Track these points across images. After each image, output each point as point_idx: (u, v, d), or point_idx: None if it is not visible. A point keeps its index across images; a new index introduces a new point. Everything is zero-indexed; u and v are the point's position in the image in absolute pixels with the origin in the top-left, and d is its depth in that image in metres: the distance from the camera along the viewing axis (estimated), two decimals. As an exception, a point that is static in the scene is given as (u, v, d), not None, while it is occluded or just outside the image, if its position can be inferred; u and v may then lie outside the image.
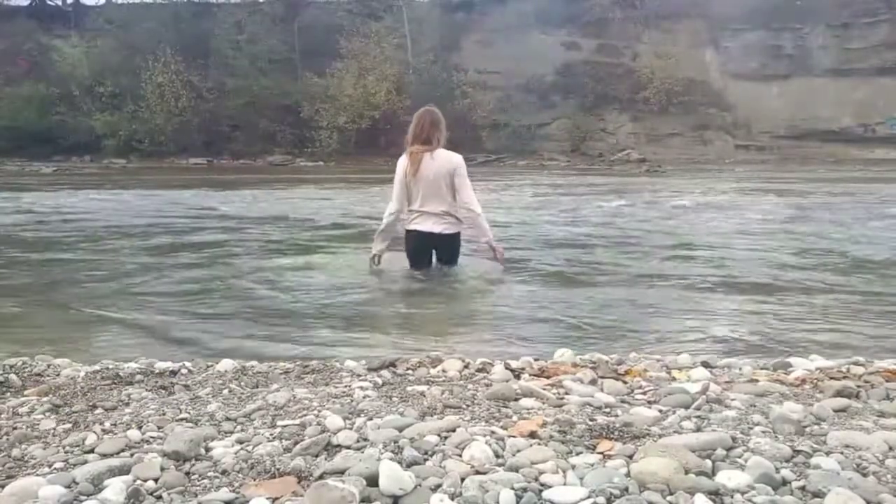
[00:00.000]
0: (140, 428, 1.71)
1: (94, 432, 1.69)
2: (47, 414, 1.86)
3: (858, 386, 2.09)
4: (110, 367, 2.35)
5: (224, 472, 1.43)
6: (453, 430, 1.63)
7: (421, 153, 4.40)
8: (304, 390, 2.05)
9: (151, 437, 1.65)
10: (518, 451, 1.51)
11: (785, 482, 1.36)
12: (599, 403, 1.91)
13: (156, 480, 1.40)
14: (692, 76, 34.03)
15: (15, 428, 1.74)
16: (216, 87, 34.35)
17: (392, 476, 1.32)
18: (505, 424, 1.71)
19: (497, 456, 1.49)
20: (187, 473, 1.44)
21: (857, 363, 2.40)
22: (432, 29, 36.32)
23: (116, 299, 4.13)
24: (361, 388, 2.07)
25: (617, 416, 1.80)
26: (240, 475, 1.42)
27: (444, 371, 2.31)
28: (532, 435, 1.62)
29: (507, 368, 2.32)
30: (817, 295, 4.23)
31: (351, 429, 1.67)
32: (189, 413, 1.84)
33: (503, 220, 8.63)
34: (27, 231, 7.76)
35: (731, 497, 1.29)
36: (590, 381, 2.18)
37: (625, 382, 2.18)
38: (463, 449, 1.51)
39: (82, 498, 1.32)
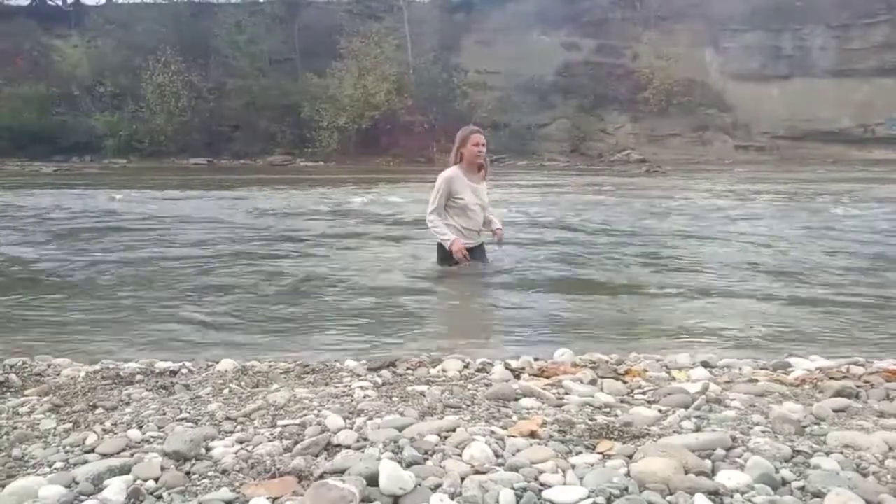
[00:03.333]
0: (140, 428, 1.71)
1: (95, 432, 1.69)
2: (47, 414, 1.86)
3: (858, 386, 2.09)
4: (110, 367, 2.36)
5: (224, 472, 1.43)
6: (453, 430, 1.63)
7: None
8: (304, 390, 2.04)
9: (152, 437, 1.65)
10: (518, 450, 1.51)
11: (785, 482, 1.36)
12: (599, 403, 1.91)
13: (156, 480, 1.40)
14: (692, 77, 34.05)
15: (15, 428, 1.74)
16: (216, 87, 34.38)
17: (392, 476, 1.32)
18: (505, 424, 1.71)
19: (497, 456, 1.49)
20: (187, 473, 1.44)
21: (857, 363, 2.40)
22: (432, 29, 36.32)
23: (117, 299, 4.13)
24: (361, 387, 2.07)
25: (617, 416, 1.80)
26: (240, 475, 1.42)
27: (444, 371, 2.31)
28: (532, 435, 1.62)
29: (507, 368, 2.32)
30: (817, 296, 4.23)
31: (351, 428, 1.67)
32: (189, 413, 1.84)
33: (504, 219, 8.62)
34: (32, 230, 7.76)
35: (731, 497, 1.29)
36: (590, 381, 2.18)
37: (625, 382, 2.18)
38: (463, 449, 1.52)
39: (82, 498, 1.32)
